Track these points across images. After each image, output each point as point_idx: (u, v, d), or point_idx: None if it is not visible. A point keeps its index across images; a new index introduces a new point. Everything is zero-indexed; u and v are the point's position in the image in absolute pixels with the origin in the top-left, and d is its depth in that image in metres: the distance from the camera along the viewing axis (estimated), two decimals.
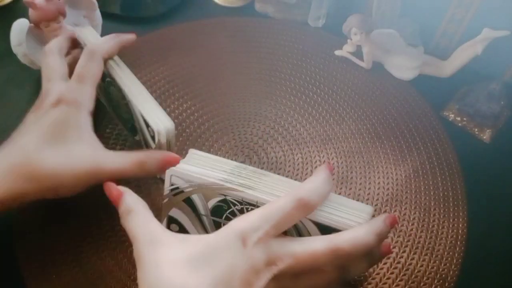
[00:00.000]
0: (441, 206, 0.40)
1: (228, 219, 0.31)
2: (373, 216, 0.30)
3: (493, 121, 0.45)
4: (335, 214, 0.29)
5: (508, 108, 0.46)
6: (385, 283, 0.36)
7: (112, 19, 0.53)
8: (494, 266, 0.38)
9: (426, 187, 0.42)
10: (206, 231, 0.33)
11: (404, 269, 0.37)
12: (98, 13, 0.49)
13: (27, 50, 0.44)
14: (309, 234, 0.29)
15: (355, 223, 0.28)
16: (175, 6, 0.55)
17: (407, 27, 0.49)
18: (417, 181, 0.42)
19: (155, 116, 0.35)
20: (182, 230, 0.33)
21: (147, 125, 0.35)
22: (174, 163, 0.32)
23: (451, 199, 0.41)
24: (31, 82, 0.47)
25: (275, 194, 0.29)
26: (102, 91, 0.41)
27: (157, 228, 0.28)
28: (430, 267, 0.37)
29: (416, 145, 0.44)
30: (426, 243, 0.38)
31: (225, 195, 0.30)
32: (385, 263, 0.37)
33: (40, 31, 0.44)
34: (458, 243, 0.38)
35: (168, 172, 0.31)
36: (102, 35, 0.49)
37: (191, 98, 0.47)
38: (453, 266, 0.37)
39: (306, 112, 0.46)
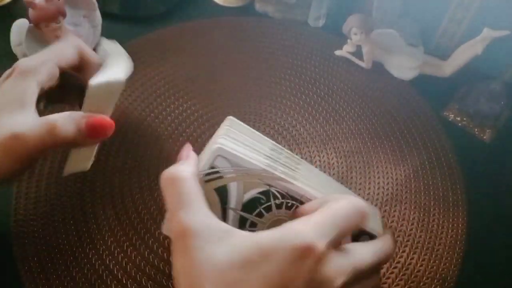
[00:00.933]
0: (441, 206, 0.40)
1: (260, 215, 0.26)
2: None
3: (493, 121, 0.45)
4: None
5: (508, 108, 0.46)
6: (384, 283, 0.36)
7: (112, 19, 0.53)
8: (494, 266, 0.38)
9: (426, 187, 0.41)
10: None
11: (404, 269, 0.37)
12: (98, 13, 0.48)
13: (27, 50, 0.44)
14: None
15: None
16: (174, 6, 0.55)
17: (407, 27, 0.49)
18: (417, 181, 0.42)
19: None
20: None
21: None
22: (104, 131, 0.28)
23: (451, 199, 0.41)
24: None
25: (311, 186, 0.26)
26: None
27: (204, 210, 0.24)
28: (429, 267, 0.37)
29: (416, 145, 0.44)
30: (426, 243, 0.38)
31: (270, 185, 0.25)
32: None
33: (40, 31, 0.44)
34: (458, 243, 0.38)
35: (215, 151, 0.25)
36: (102, 35, 0.50)
37: (191, 98, 0.47)
38: (452, 266, 0.37)
39: (306, 112, 0.46)
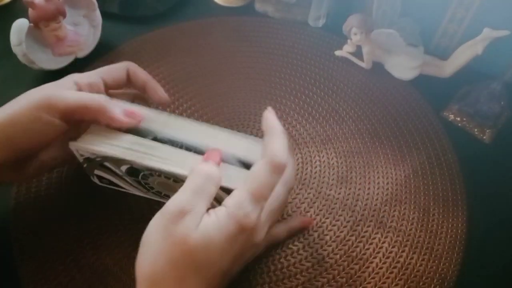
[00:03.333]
0: (441, 206, 0.40)
1: (145, 177, 0.33)
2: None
3: (493, 121, 0.45)
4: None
5: (508, 108, 0.46)
6: (384, 283, 0.36)
7: (112, 19, 0.53)
8: (493, 266, 0.38)
9: (426, 187, 0.41)
10: (132, 185, 0.35)
11: (403, 268, 0.37)
12: (97, 13, 0.49)
13: (27, 49, 0.44)
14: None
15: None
16: (174, 6, 0.55)
17: (407, 27, 0.49)
18: (417, 181, 0.42)
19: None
20: (113, 184, 0.36)
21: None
22: (139, 116, 0.32)
23: (450, 199, 0.41)
24: (30, 82, 0.47)
25: (173, 161, 0.31)
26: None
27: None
28: (429, 267, 0.37)
29: (416, 145, 0.44)
30: (426, 243, 0.38)
31: (130, 164, 0.31)
32: (384, 263, 0.37)
33: (40, 31, 0.44)
34: (458, 243, 0.38)
35: (72, 147, 0.31)
36: (102, 35, 0.50)
37: (191, 98, 0.47)
38: (452, 266, 0.37)
39: (306, 112, 0.46)
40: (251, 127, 0.45)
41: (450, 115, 0.47)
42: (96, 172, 0.35)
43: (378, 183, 0.42)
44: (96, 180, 0.37)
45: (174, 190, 0.28)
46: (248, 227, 0.27)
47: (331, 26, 0.53)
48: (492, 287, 0.37)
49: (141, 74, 0.37)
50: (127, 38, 0.51)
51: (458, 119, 0.46)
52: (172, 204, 0.27)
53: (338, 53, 0.50)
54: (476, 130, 0.46)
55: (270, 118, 0.30)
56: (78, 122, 0.33)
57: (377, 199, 0.41)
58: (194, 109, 0.46)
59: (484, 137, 0.45)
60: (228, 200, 0.28)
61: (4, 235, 0.37)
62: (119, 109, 0.32)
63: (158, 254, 0.27)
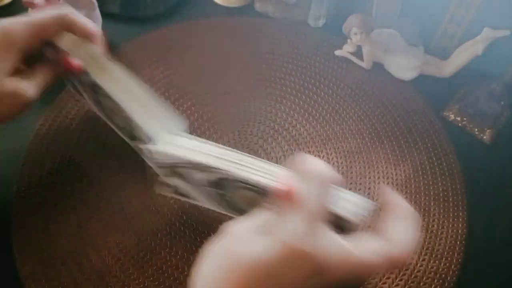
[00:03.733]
0: (441, 206, 0.40)
1: (227, 190, 0.32)
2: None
3: (493, 121, 0.45)
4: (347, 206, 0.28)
5: (508, 108, 0.46)
6: (384, 283, 0.36)
7: (112, 19, 0.53)
8: (494, 266, 0.38)
9: (426, 187, 0.41)
10: (207, 197, 0.34)
11: (404, 269, 0.37)
12: (98, 13, 0.49)
13: None
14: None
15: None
16: (174, 6, 0.55)
17: (407, 27, 0.49)
18: (417, 181, 0.42)
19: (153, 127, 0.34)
20: (184, 194, 0.35)
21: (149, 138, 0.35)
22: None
23: (451, 199, 0.41)
24: None
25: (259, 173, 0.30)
26: (95, 102, 0.40)
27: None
28: (429, 267, 0.37)
29: (416, 145, 0.44)
30: (426, 243, 0.38)
31: (222, 175, 0.30)
32: None
33: None
34: (458, 243, 0.38)
35: (147, 149, 0.32)
36: (102, 35, 0.50)
37: (191, 98, 0.47)
38: (452, 266, 0.37)
39: (306, 112, 0.46)
40: (251, 127, 0.45)
41: (450, 115, 0.47)
42: (166, 179, 0.34)
43: (378, 183, 0.42)
44: (159, 188, 0.36)
45: (258, 204, 0.28)
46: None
47: (331, 26, 0.53)
48: (492, 287, 0.37)
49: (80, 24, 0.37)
50: (127, 38, 0.51)
51: (458, 119, 0.46)
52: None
53: (338, 53, 0.50)
54: (476, 130, 0.46)
55: (403, 202, 0.27)
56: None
57: (377, 199, 0.41)
58: (194, 109, 0.46)
59: (484, 137, 0.45)
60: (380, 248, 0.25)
61: (4, 235, 0.37)
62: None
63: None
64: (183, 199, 0.36)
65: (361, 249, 0.25)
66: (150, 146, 0.32)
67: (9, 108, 0.34)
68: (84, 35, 0.36)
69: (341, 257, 0.24)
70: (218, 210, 0.36)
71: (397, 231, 0.25)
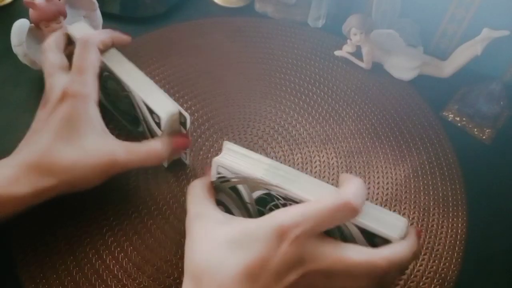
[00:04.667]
0: (441, 206, 0.40)
1: (272, 210, 0.31)
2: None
3: (492, 121, 0.45)
4: (380, 222, 0.28)
5: (508, 108, 0.46)
6: None
7: (112, 19, 0.53)
8: (494, 266, 0.38)
9: (426, 187, 0.42)
10: (250, 216, 0.34)
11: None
12: (98, 13, 0.49)
13: (27, 50, 0.44)
14: (353, 239, 0.29)
15: (395, 234, 0.28)
16: (174, 6, 0.55)
17: (407, 27, 0.49)
18: (417, 181, 0.42)
19: (159, 102, 0.36)
20: (228, 212, 0.34)
21: (151, 112, 0.35)
22: (186, 145, 0.37)
23: (450, 199, 0.41)
24: (31, 82, 0.47)
25: (313, 194, 0.29)
26: (101, 88, 0.41)
27: (208, 205, 0.31)
28: (429, 267, 0.37)
29: (416, 145, 0.44)
30: (426, 243, 0.38)
31: (269, 190, 0.30)
32: None
33: (40, 31, 0.44)
34: (458, 243, 0.38)
35: (215, 163, 0.32)
36: None
37: (191, 98, 0.47)
38: (452, 266, 0.37)
39: (306, 112, 0.46)
40: (251, 127, 0.45)
41: (450, 115, 0.47)
42: (220, 196, 0.34)
43: (378, 183, 0.42)
44: None
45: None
46: (287, 237, 0.27)
47: (331, 26, 0.53)
48: (492, 287, 0.37)
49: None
50: None
51: (458, 119, 0.46)
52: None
53: (338, 53, 0.50)
54: (475, 130, 0.46)
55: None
56: None
57: (377, 199, 0.41)
58: (194, 109, 0.46)
59: (484, 137, 0.45)
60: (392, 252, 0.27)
61: (4, 235, 0.37)
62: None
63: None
64: None
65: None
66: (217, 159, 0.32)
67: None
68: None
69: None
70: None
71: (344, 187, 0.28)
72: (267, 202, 0.31)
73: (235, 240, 0.27)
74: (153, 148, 0.36)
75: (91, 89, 0.35)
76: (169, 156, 0.38)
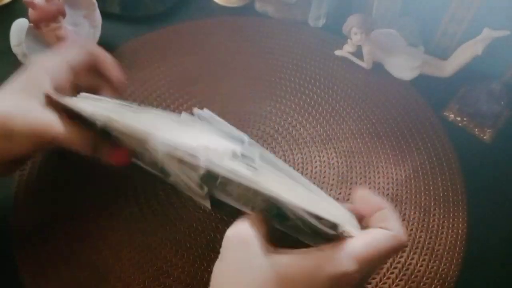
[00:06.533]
0: (441, 206, 0.40)
1: (222, 185, 0.29)
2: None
3: (493, 121, 0.45)
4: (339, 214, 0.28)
5: (509, 108, 0.46)
6: (385, 283, 0.36)
7: (112, 19, 0.53)
8: (494, 266, 0.38)
9: (426, 187, 0.41)
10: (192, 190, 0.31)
11: (404, 269, 0.37)
12: (97, 13, 0.49)
13: (27, 50, 0.44)
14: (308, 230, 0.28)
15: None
16: (174, 6, 0.55)
17: (407, 27, 0.49)
18: (417, 181, 0.42)
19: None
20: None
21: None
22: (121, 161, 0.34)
23: (451, 199, 0.41)
24: None
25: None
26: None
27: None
28: (430, 267, 0.37)
29: (416, 145, 0.44)
30: (426, 243, 0.38)
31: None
32: (384, 263, 0.37)
33: (40, 31, 0.44)
34: (458, 243, 0.38)
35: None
36: (102, 35, 0.50)
37: (191, 98, 0.47)
38: (453, 266, 0.37)
39: (306, 112, 0.46)
40: (251, 127, 0.45)
41: (450, 115, 0.47)
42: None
43: (379, 183, 0.42)
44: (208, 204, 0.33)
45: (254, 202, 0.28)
46: (345, 283, 0.26)
47: (331, 26, 0.53)
48: (492, 287, 0.37)
49: (105, 56, 0.38)
50: (127, 38, 0.51)
51: (459, 119, 0.46)
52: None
53: (338, 53, 0.50)
54: (476, 130, 0.46)
55: (375, 196, 0.30)
56: None
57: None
58: None
59: (485, 137, 0.45)
60: (354, 248, 0.26)
61: (4, 235, 0.37)
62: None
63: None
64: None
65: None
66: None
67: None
68: (108, 78, 0.38)
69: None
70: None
71: (391, 224, 0.27)
72: (215, 179, 0.28)
73: (289, 280, 0.25)
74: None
75: (51, 65, 0.35)
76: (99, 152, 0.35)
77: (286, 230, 0.29)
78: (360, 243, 0.26)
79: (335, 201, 0.31)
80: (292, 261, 0.26)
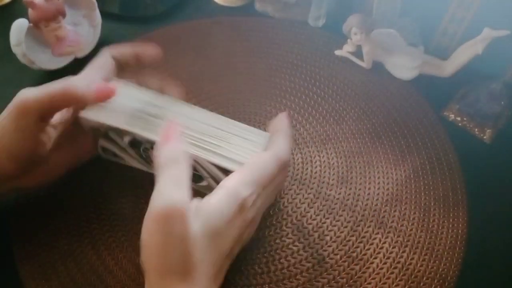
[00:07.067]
0: (441, 206, 0.40)
1: (146, 151, 0.34)
2: None
3: (493, 121, 0.45)
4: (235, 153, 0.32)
5: (509, 108, 0.46)
6: (384, 283, 0.36)
7: (112, 19, 0.53)
8: (494, 266, 0.38)
9: (426, 187, 0.41)
10: (135, 159, 0.36)
11: (404, 269, 0.37)
12: (97, 13, 0.49)
13: (26, 50, 0.44)
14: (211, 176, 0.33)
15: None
16: (174, 6, 0.55)
17: (407, 27, 0.49)
18: (417, 181, 0.42)
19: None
20: (116, 156, 0.37)
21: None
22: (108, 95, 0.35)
23: (451, 199, 0.41)
24: (30, 82, 0.47)
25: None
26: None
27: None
28: (430, 267, 0.37)
29: (416, 145, 0.44)
30: (426, 243, 0.38)
31: (133, 136, 0.33)
32: (384, 263, 0.37)
33: (40, 31, 0.44)
34: (458, 243, 0.38)
35: (82, 116, 0.34)
36: (101, 34, 0.50)
37: (191, 98, 0.47)
38: (453, 266, 0.37)
39: (306, 112, 0.46)
40: (251, 126, 0.45)
41: (451, 115, 0.47)
42: (101, 143, 0.36)
43: (379, 183, 0.42)
44: (100, 152, 0.38)
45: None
46: (247, 208, 0.29)
47: (331, 26, 0.53)
48: (492, 287, 0.37)
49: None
50: (127, 38, 0.51)
51: (459, 119, 0.46)
52: (160, 205, 0.27)
53: (338, 53, 0.50)
54: (476, 130, 0.46)
55: (285, 120, 0.34)
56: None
57: (377, 199, 0.41)
58: None
59: (485, 137, 0.45)
60: (229, 181, 0.29)
61: (4, 235, 0.37)
62: (85, 82, 0.33)
63: (161, 251, 0.27)
64: (121, 162, 0.38)
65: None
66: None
67: None
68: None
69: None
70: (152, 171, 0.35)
71: (275, 145, 0.32)
72: (139, 145, 0.34)
73: (213, 233, 0.28)
74: (69, 84, 0.32)
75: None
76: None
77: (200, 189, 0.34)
78: (236, 173, 0.30)
79: (248, 129, 0.35)
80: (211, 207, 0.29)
